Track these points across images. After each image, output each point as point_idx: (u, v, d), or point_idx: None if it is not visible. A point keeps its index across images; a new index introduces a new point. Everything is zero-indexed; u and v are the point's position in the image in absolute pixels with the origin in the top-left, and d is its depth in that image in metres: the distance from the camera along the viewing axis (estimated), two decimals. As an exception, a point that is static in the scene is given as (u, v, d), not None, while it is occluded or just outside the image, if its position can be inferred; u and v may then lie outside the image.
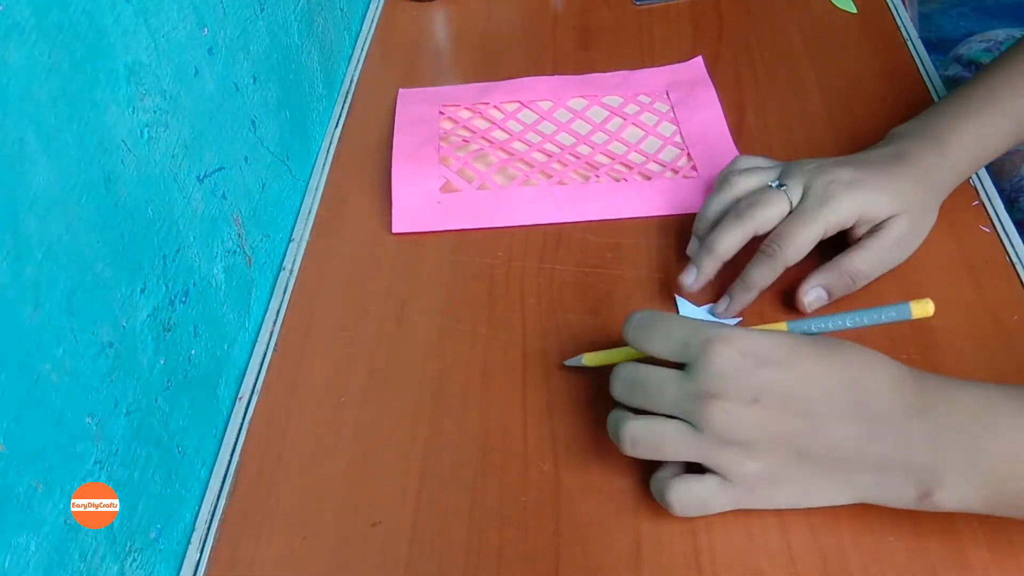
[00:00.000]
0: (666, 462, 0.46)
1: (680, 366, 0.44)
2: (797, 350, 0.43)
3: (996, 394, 0.42)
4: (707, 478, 0.44)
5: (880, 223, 0.53)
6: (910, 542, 0.45)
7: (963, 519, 0.45)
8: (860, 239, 0.54)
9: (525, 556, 0.46)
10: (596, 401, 0.52)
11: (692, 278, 0.56)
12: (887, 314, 0.48)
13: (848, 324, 0.48)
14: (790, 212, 0.54)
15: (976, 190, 0.62)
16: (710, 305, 0.56)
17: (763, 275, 0.53)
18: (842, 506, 0.46)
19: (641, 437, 0.44)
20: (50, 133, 0.37)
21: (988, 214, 0.60)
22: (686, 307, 0.56)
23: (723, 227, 0.55)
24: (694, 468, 0.44)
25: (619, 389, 0.46)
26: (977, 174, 0.63)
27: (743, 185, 0.56)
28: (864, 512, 0.46)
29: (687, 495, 0.44)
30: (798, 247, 0.52)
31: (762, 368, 0.42)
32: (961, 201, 0.60)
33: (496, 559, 0.46)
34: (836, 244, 0.54)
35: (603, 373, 0.53)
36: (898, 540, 0.45)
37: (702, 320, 0.45)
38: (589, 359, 0.52)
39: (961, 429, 0.41)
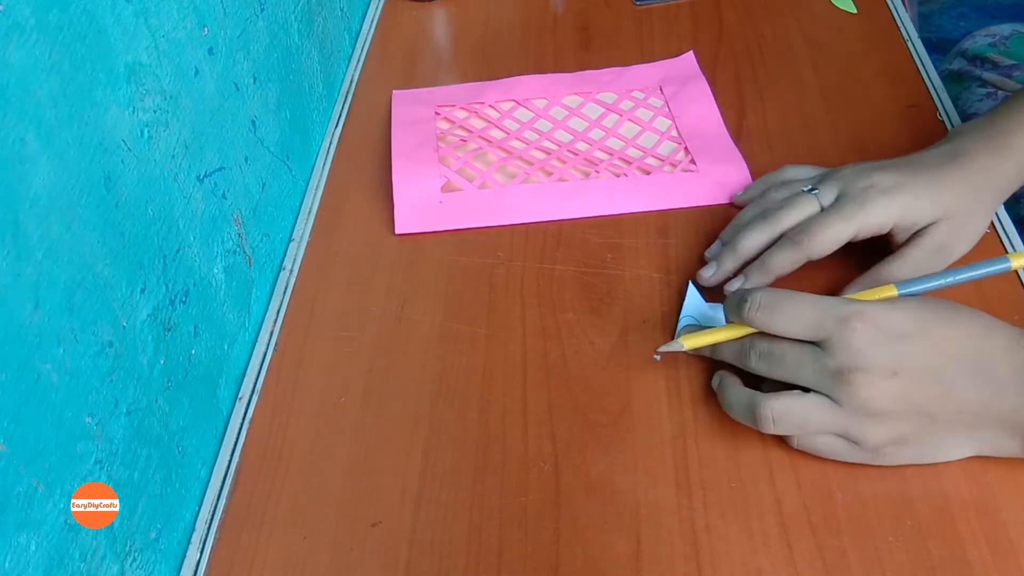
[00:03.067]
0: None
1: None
2: (926, 321, 0.44)
3: None
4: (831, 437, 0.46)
5: (920, 229, 0.52)
6: (910, 542, 0.45)
7: (963, 519, 0.45)
8: (899, 247, 0.53)
9: (525, 556, 0.46)
10: (596, 401, 0.52)
11: (711, 272, 0.56)
12: (988, 268, 0.49)
13: (952, 280, 0.49)
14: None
15: (976, 190, 0.62)
16: (714, 304, 0.56)
17: (783, 261, 0.53)
18: (842, 506, 0.46)
19: (785, 413, 0.45)
20: (50, 133, 0.37)
21: (988, 214, 0.60)
22: (694, 296, 0.56)
23: (749, 227, 0.55)
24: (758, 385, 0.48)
25: (755, 360, 0.47)
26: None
27: (778, 195, 0.56)
28: (864, 512, 0.46)
29: (810, 446, 0.47)
30: (825, 241, 0.52)
31: (898, 341, 0.44)
32: (961, 201, 0.60)
33: (496, 559, 0.46)
34: (879, 249, 0.54)
35: (606, 374, 0.53)
36: (898, 540, 0.45)
37: (828, 298, 0.46)
38: (689, 342, 0.50)
39: None
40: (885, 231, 0.53)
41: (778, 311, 0.46)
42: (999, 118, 0.55)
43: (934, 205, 0.52)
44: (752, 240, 0.54)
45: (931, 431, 0.45)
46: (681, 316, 0.55)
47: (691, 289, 0.56)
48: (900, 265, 0.53)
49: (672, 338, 0.54)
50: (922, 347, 0.44)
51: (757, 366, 0.47)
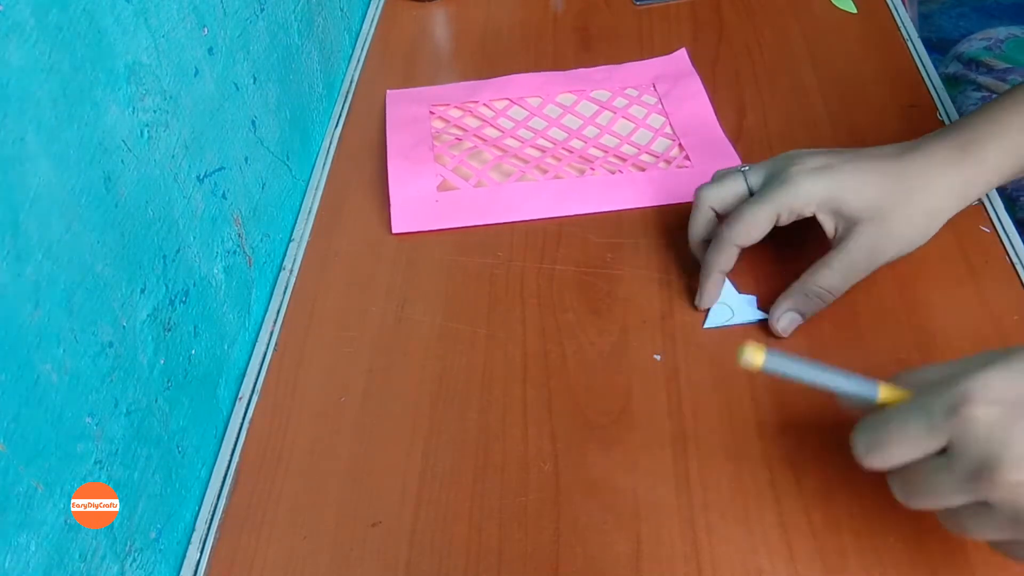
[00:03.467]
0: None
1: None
2: None
3: None
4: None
5: (846, 233, 0.50)
6: (910, 542, 0.45)
7: (963, 519, 0.45)
8: (825, 256, 0.51)
9: (525, 556, 0.46)
10: (596, 401, 0.52)
11: (698, 299, 0.56)
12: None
13: (813, 380, 0.42)
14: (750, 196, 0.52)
15: (976, 190, 0.62)
16: (750, 296, 0.56)
17: (716, 258, 0.53)
18: (842, 506, 0.46)
19: (954, 526, 0.39)
20: (50, 133, 0.37)
21: (988, 214, 0.60)
22: (731, 291, 0.55)
23: (697, 240, 0.56)
24: None
25: (899, 492, 0.39)
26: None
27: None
28: (864, 512, 0.46)
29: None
30: (747, 227, 0.51)
31: None
32: (961, 201, 0.60)
33: (496, 559, 0.46)
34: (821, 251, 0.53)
35: (606, 375, 0.53)
36: (898, 540, 0.45)
37: (928, 394, 0.38)
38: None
39: None
40: (808, 213, 0.50)
41: (884, 444, 0.38)
42: (973, 126, 0.51)
43: (859, 195, 0.49)
44: (710, 257, 0.54)
45: None
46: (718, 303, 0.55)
47: (727, 289, 0.56)
48: (828, 273, 0.51)
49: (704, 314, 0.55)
50: None
51: (902, 498, 0.40)
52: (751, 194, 0.53)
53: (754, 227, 0.51)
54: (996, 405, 0.35)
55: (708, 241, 0.55)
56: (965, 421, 0.36)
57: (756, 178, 0.53)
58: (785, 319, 0.53)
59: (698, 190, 0.55)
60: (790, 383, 0.45)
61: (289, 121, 0.67)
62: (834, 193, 0.49)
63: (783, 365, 0.41)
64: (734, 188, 0.53)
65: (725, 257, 0.53)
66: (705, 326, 0.55)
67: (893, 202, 0.49)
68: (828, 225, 0.51)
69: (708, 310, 0.55)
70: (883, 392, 0.40)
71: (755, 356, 0.40)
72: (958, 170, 0.50)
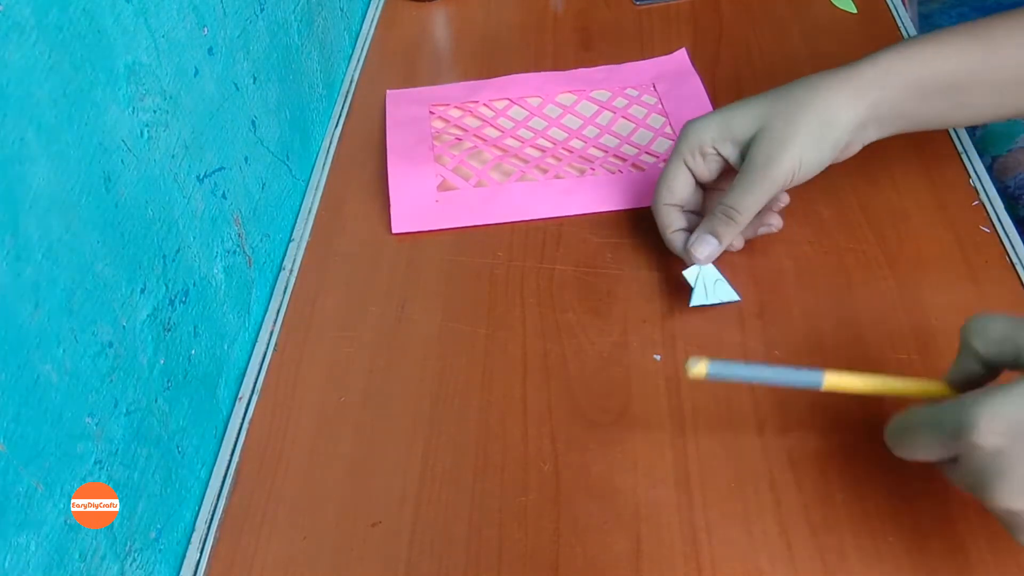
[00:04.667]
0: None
1: None
2: None
3: None
4: None
5: (745, 151, 0.52)
6: (910, 542, 0.45)
7: (963, 519, 0.45)
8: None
9: (525, 556, 0.46)
10: (596, 401, 0.52)
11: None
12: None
13: (759, 378, 0.46)
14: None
15: (976, 190, 0.62)
16: (722, 277, 0.55)
17: (659, 220, 0.56)
18: (842, 506, 0.46)
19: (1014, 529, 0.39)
20: (50, 133, 0.37)
21: (988, 214, 0.60)
22: (693, 272, 0.55)
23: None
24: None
25: (952, 475, 0.40)
26: (977, 174, 0.63)
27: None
28: (864, 512, 0.46)
29: None
30: (667, 186, 0.55)
31: None
32: (961, 201, 0.60)
33: (496, 559, 0.46)
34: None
35: (606, 374, 0.53)
36: (898, 540, 0.45)
37: (939, 410, 0.39)
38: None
39: None
40: (709, 148, 0.54)
41: (905, 445, 0.41)
42: (860, 60, 0.52)
43: (746, 116, 0.52)
44: (672, 234, 0.56)
45: None
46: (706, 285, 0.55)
47: (687, 274, 0.55)
48: (732, 191, 0.52)
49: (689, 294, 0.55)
50: None
51: (956, 481, 0.40)
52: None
53: (673, 182, 0.55)
54: (1000, 436, 0.36)
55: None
56: (969, 447, 0.37)
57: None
58: (700, 243, 0.54)
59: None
60: None
61: (289, 121, 0.67)
62: (724, 123, 0.53)
63: (728, 370, 0.45)
64: (674, 166, 0.56)
65: (665, 218, 0.56)
66: (691, 303, 0.55)
67: (781, 114, 0.51)
68: (733, 158, 0.54)
69: (692, 290, 0.55)
70: (829, 380, 0.44)
71: (699, 367, 0.44)
72: (848, 75, 0.51)
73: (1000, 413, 0.36)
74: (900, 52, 0.52)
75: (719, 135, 0.53)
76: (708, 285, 0.55)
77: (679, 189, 0.56)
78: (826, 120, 0.51)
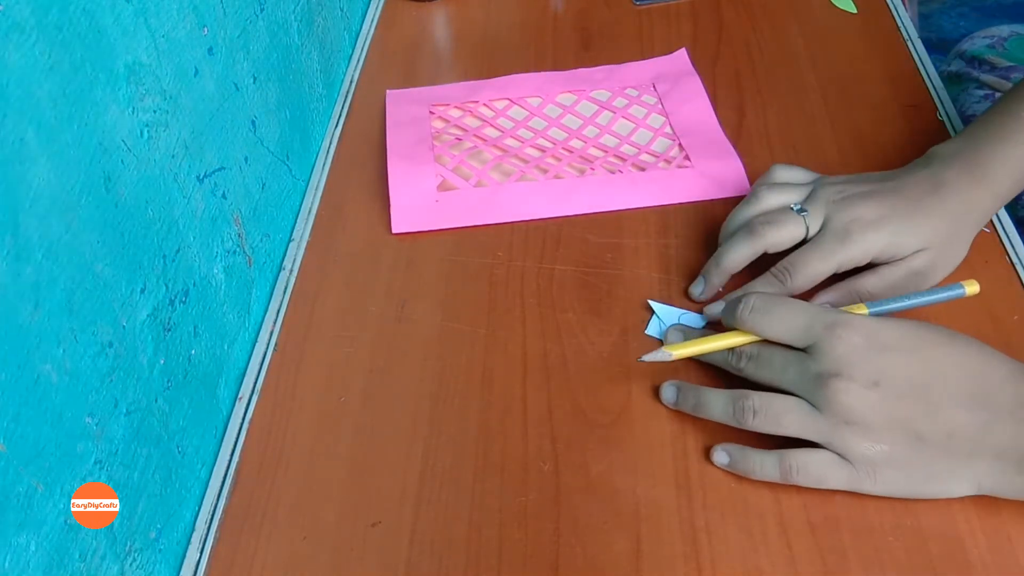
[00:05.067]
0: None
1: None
2: (919, 338, 0.44)
3: None
4: (822, 452, 0.45)
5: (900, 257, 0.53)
6: (910, 542, 0.45)
7: (963, 519, 0.45)
8: (878, 267, 0.53)
9: (525, 556, 0.46)
10: (596, 401, 0.52)
11: (700, 289, 0.56)
12: (945, 293, 0.51)
13: (916, 303, 0.51)
14: (805, 238, 0.53)
15: (976, 190, 0.62)
16: (682, 311, 0.56)
17: (736, 265, 0.55)
18: (842, 506, 0.46)
19: (762, 408, 0.46)
20: (50, 133, 0.37)
21: (988, 214, 0.60)
22: (661, 308, 0.56)
23: (733, 241, 0.55)
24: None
25: (743, 362, 0.49)
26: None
27: (769, 201, 0.56)
28: (864, 512, 0.46)
29: (804, 466, 0.46)
30: (808, 278, 0.52)
31: (884, 353, 0.44)
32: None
33: (496, 559, 0.46)
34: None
35: (606, 375, 0.53)
36: (898, 540, 0.45)
37: (820, 306, 0.47)
38: (676, 351, 0.51)
39: None
40: (865, 261, 0.53)
41: (769, 314, 0.47)
42: (977, 144, 0.55)
43: (915, 239, 0.52)
44: (736, 256, 0.54)
45: (919, 453, 0.44)
46: (665, 326, 0.55)
47: (654, 304, 0.56)
48: (876, 282, 0.53)
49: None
50: (908, 361, 0.44)
51: (744, 367, 0.49)
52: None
53: (815, 279, 0.53)
54: (863, 339, 0.44)
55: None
56: (836, 337, 0.44)
57: (815, 224, 0.54)
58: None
59: (758, 225, 0.54)
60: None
61: (289, 121, 0.67)
62: (891, 244, 0.52)
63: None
64: (794, 233, 0.54)
65: (748, 273, 0.55)
66: (646, 332, 0.56)
67: (940, 240, 0.53)
68: (880, 262, 0.53)
69: (653, 316, 0.56)
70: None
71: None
72: (980, 204, 0.54)
73: (862, 321, 0.45)
74: (1006, 160, 0.54)
75: (883, 254, 0.52)
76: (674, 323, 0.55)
77: (811, 283, 0.53)
78: (965, 241, 0.54)
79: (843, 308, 0.49)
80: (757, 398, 0.46)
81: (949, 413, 0.43)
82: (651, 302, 0.56)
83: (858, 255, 0.52)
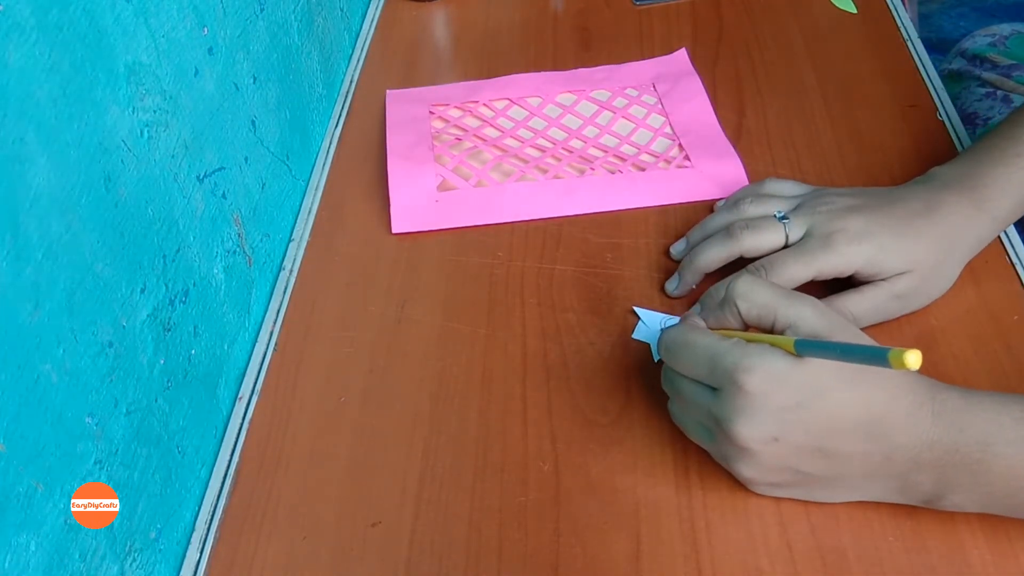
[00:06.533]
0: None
1: None
2: (823, 386, 0.42)
3: (1005, 414, 0.42)
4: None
5: (884, 277, 0.51)
6: (910, 542, 0.45)
7: (963, 519, 0.45)
8: (861, 287, 0.52)
9: (525, 556, 0.46)
10: (596, 401, 0.52)
11: (674, 286, 0.57)
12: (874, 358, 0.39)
13: (840, 357, 0.41)
14: (784, 246, 0.53)
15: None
16: (666, 316, 0.56)
17: (713, 262, 0.55)
18: (842, 506, 0.46)
19: (676, 418, 0.49)
20: (50, 133, 0.37)
21: (988, 214, 0.60)
22: (645, 314, 0.56)
23: (711, 241, 0.55)
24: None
25: (663, 382, 0.49)
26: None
27: (750, 211, 0.55)
28: (864, 512, 0.46)
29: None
30: (784, 280, 0.51)
31: (785, 412, 0.42)
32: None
33: (496, 559, 0.46)
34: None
35: (606, 374, 0.53)
36: (898, 540, 0.45)
37: (726, 343, 0.43)
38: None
39: (966, 459, 0.42)
40: (847, 273, 0.52)
41: (677, 354, 0.46)
42: (976, 168, 0.54)
43: (900, 258, 0.51)
44: (711, 256, 0.54)
45: (806, 484, 0.45)
46: (650, 331, 0.55)
47: (638, 310, 0.56)
48: (858, 302, 0.51)
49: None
50: (810, 418, 0.42)
51: (664, 387, 0.49)
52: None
53: (792, 283, 0.51)
54: (764, 396, 0.42)
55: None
56: (736, 388, 0.42)
57: (796, 233, 0.53)
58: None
59: (737, 229, 0.54)
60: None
61: (289, 121, 0.67)
62: (875, 259, 0.51)
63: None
64: (773, 240, 0.53)
65: (723, 273, 0.53)
66: (633, 336, 0.55)
67: (927, 265, 0.52)
68: (862, 278, 0.52)
69: (639, 322, 0.56)
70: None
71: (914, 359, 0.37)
72: (977, 229, 0.53)
73: (765, 365, 0.42)
74: (1007, 183, 0.53)
75: (866, 268, 0.51)
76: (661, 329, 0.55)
77: (789, 286, 0.50)
78: (958, 264, 0.53)
79: (770, 338, 0.44)
80: (674, 410, 0.49)
81: (845, 459, 0.43)
82: (636, 308, 0.56)
83: (839, 265, 0.51)
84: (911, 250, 0.51)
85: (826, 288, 0.53)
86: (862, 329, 0.46)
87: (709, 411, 0.44)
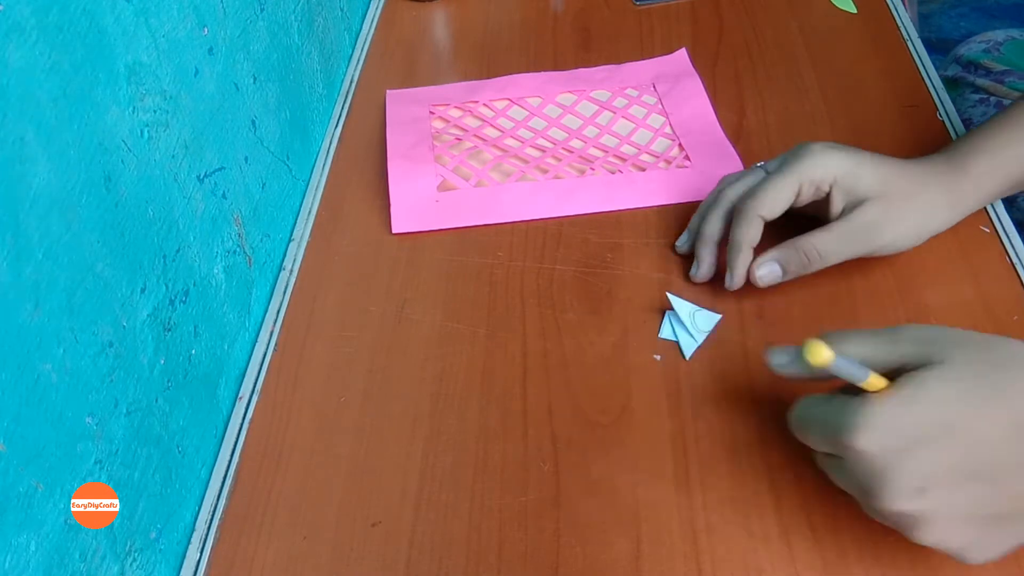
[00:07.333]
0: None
1: None
2: (950, 411, 0.37)
3: None
4: None
5: (851, 208, 0.52)
6: (910, 542, 0.45)
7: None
8: (828, 224, 0.52)
9: (525, 556, 0.46)
10: (596, 401, 0.52)
11: (695, 269, 0.57)
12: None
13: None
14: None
15: (976, 190, 0.62)
16: (698, 308, 0.55)
17: (743, 231, 0.53)
18: (842, 506, 0.46)
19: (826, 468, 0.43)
20: (50, 133, 0.37)
21: (988, 214, 0.60)
22: (677, 302, 0.55)
23: (706, 212, 0.57)
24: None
25: (816, 461, 0.44)
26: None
27: (736, 183, 0.57)
28: (864, 512, 0.46)
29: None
30: (768, 198, 0.52)
31: (916, 452, 0.37)
32: (961, 201, 0.60)
33: (496, 559, 0.46)
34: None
35: (606, 374, 0.54)
36: (898, 540, 0.45)
37: (834, 400, 0.40)
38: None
39: None
40: (826, 186, 0.52)
41: (802, 433, 0.43)
42: (970, 140, 0.55)
43: (876, 179, 0.51)
44: (712, 223, 0.56)
45: (1003, 523, 0.38)
46: (678, 320, 0.55)
47: (671, 298, 0.56)
48: (825, 236, 0.52)
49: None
50: (950, 448, 0.36)
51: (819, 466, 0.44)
52: None
53: (778, 198, 0.52)
54: (884, 443, 0.37)
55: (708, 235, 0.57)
56: (855, 455, 0.38)
57: (772, 166, 0.54)
58: (764, 268, 0.54)
59: (722, 184, 0.56)
60: (788, 382, 0.46)
61: (289, 121, 0.67)
62: (853, 169, 0.51)
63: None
64: (749, 180, 0.55)
65: (754, 230, 0.53)
66: (660, 335, 0.55)
67: (899, 193, 0.52)
68: (837, 204, 0.53)
69: (663, 322, 0.56)
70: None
71: (821, 352, 0.37)
72: (948, 187, 0.54)
73: (875, 420, 0.37)
74: (993, 156, 0.54)
75: (843, 179, 0.51)
76: (689, 322, 0.55)
77: (779, 208, 0.53)
78: (922, 220, 0.53)
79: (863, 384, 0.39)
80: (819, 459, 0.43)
81: (1009, 474, 0.37)
82: (669, 294, 0.55)
83: (817, 173, 0.51)
84: (887, 175, 0.51)
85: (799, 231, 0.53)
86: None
87: (848, 485, 0.41)
